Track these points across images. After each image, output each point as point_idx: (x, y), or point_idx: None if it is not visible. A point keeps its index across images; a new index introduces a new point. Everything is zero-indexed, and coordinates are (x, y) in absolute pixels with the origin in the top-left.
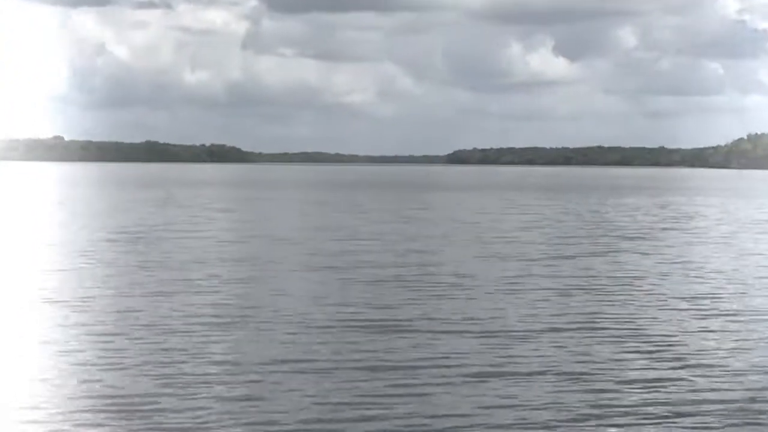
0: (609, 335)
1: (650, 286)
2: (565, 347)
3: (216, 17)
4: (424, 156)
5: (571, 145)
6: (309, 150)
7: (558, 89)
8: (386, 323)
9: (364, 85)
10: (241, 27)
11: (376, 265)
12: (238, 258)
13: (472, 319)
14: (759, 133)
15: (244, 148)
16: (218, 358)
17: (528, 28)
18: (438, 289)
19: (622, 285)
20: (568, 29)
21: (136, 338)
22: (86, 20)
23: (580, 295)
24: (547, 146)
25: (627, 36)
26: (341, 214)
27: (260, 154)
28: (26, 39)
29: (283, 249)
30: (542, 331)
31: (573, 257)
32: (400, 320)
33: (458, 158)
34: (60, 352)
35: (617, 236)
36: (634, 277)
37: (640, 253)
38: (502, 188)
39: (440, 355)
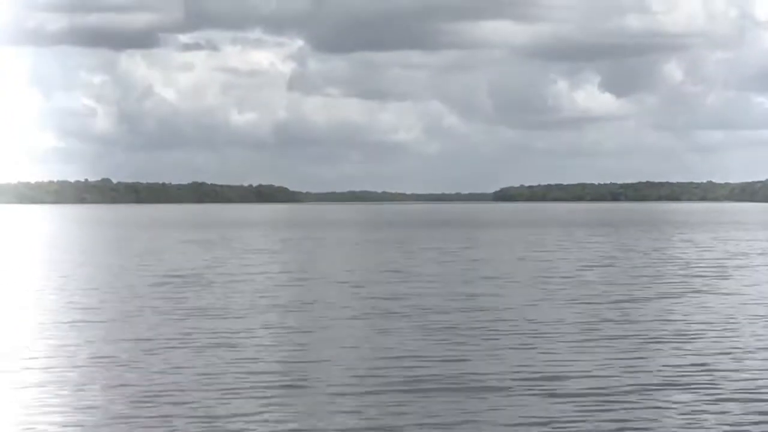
0: (710, 395)
1: (736, 330)
2: (661, 408)
3: (262, 58)
4: (471, 194)
5: (618, 181)
6: (356, 189)
7: (604, 125)
8: (461, 380)
9: (410, 123)
10: (287, 67)
11: (440, 310)
12: (294, 303)
13: (551, 375)
14: None
15: (292, 188)
16: (278, 427)
17: (574, 65)
18: (511, 338)
19: (706, 330)
20: (614, 65)
21: (183, 401)
22: (134, 62)
23: (665, 344)
24: (595, 182)
25: (673, 70)
26: (394, 254)
27: (307, 193)
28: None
29: (340, 292)
30: (635, 388)
31: (648, 299)
32: (476, 375)
33: (505, 195)
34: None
35: (690, 275)
36: (721, 321)
37: (720, 293)
38: (555, 224)
39: (529, 419)
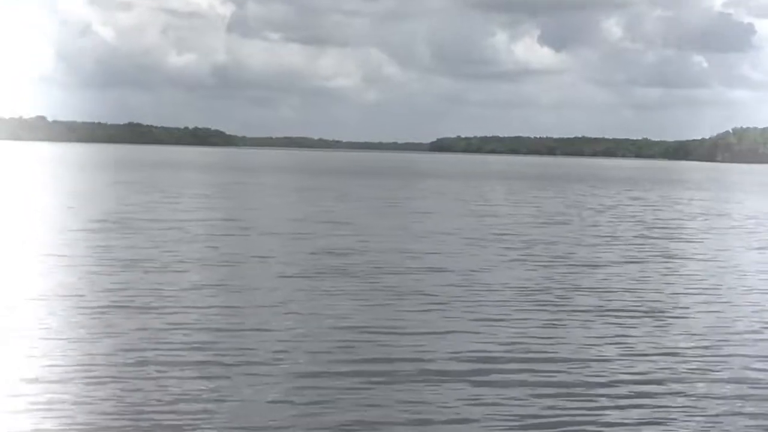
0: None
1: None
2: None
3: (202, 0)
4: (408, 143)
5: (555, 135)
6: (293, 135)
7: (543, 79)
8: (405, 354)
9: (349, 70)
10: (226, 10)
11: (388, 270)
12: (229, 257)
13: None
14: (744, 127)
15: (228, 132)
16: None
17: (514, 17)
18: (462, 306)
19: (688, 302)
20: (555, 19)
21: (91, 353)
22: (73, 1)
23: (642, 317)
24: (531, 135)
25: (613, 27)
26: (334, 203)
27: (244, 137)
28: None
29: (279, 246)
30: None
31: (615, 263)
32: (419, 350)
33: (442, 146)
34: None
35: (653, 236)
36: (702, 291)
37: (695, 259)
38: (496, 177)
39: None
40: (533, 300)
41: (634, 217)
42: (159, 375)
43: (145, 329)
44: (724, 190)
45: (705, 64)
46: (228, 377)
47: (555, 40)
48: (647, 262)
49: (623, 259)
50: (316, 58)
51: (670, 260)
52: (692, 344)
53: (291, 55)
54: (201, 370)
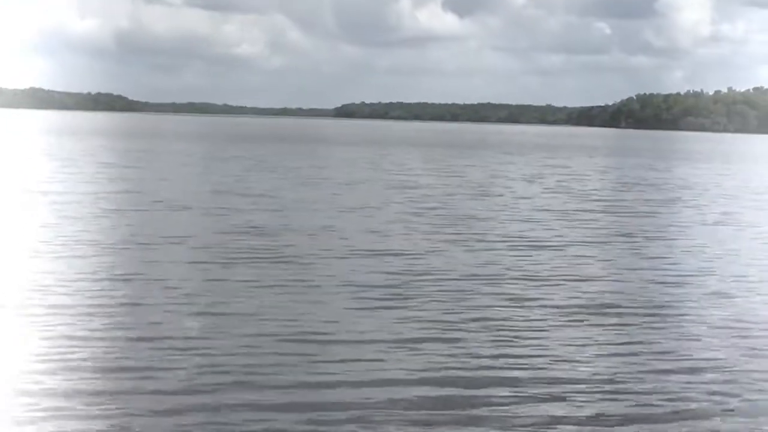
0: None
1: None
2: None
3: None
4: (312, 109)
5: (459, 101)
6: (197, 101)
7: (447, 45)
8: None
9: (254, 37)
10: None
11: (320, 254)
12: (128, 238)
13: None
14: (648, 93)
15: (131, 97)
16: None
17: None
18: (420, 300)
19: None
20: None
21: None
22: None
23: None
24: (436, 102)
25: None
26: (242, 173)
27: (147, 103)
28: None
29: (186, 222)
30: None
31: (567, 245)
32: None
33: (346, 112)
34: None
35: (600, 210)
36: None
37: (656, 238)
38: (409, 144)
39: None
40: (489, 292)
41: (566, 187)
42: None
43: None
44: (644, 157)
45: (607, 31)
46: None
47: (459, 7)
48: (607, 242)
49: (581, 239)
50: (220, 24)
51: (629, 239)
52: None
53: (195, 21)
54: (77, 382)
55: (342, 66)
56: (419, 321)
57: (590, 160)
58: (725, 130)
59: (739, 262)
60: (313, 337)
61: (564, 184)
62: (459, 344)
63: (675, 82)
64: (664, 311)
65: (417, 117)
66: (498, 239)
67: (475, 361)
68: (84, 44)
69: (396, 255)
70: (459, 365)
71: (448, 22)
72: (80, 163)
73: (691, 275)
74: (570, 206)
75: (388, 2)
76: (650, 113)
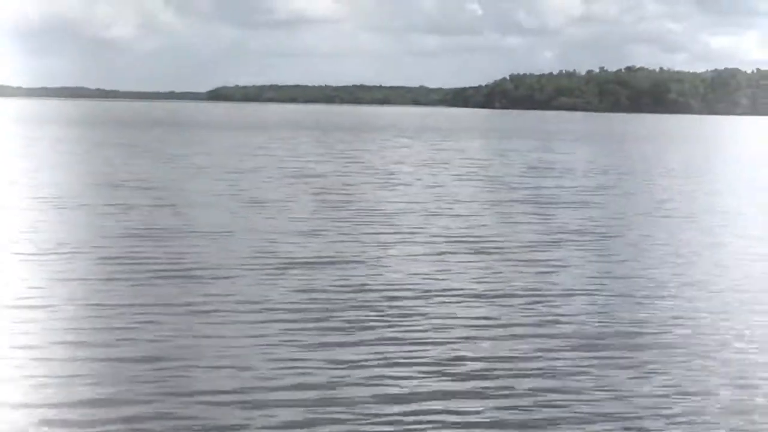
0: None
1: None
2: None
3: None
4: (186, 92)
5: (333, 83)
6: (69, 84)
7: (321, 27)
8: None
9: (126, 19)
10: None
11: (233, 268)
12: None
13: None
14: (521, 73)
15: (1, 82)
16: None
17: None
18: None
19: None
20: None
21: None
22: None
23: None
24: (310, 84)
25: None
26: (131, 160)
27: (18, 88)
28: None
29: (79, 223)
30: None
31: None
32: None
33: (220, 95)
34: None
35: (511, 200)
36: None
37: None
38: (290, 127)
39: None
40: (435, 312)
41: (475, 173)
42: None
43: None
44: (534, 138)
45: (480, 11)
46: None
47: None
48: (556, 241)
49: (523, 238)
50: (91, 6)
51: (580, 237)
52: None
53: (65, 3)
54: None
55: (216, 48)
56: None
57: (485, 143)
58: (596, 109)
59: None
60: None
61: (471, 170)
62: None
63: (547, 62)
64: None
65: (291, 99)
66: (427, 239)
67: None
68: None
69: (314, 263)
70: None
71: (322, 3)
72: None
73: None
74: (492, 196)
75: None
76: (524, 93)
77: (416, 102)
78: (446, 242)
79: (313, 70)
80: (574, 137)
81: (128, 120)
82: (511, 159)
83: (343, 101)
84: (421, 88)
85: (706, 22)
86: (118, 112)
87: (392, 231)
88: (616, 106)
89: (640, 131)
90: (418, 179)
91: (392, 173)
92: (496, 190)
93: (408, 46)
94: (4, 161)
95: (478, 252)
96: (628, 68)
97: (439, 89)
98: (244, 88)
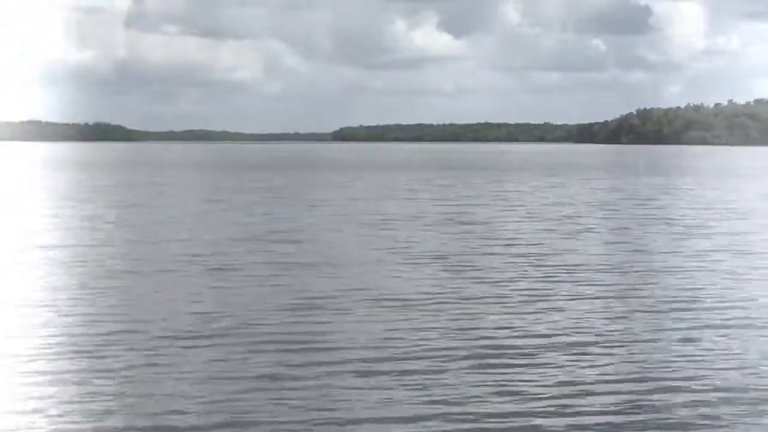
0: None
1: None
2: None
3: None
4: (311, 133)
5: (458, 122)
6: (195, 128)
7: (443, 65)
8: None
9: (250, 62)
10: (124, 4)
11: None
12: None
13: None
14: (648, 108)
15: (130, 126)
16: None
17: (413, 5)
18: None
19: None
20: (453, 5)
21: None
22: None
23: None
24: (434, 122)
25: (511, 12)
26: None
27: (146, 132)
28: None
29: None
30: None
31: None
32: None
33: (344, 135)
34: None
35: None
36: None
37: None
38: (428, 167)
39: None
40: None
41: (656, 216)
42: None
43: None
44: (682, 174)
45: (602, 47)
46: None
47: (454, 27)
48: None
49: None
50: (215, 51)
51: None
52: None
53: (191, 49)
54: None
55: (339, 89)
56: None
57: (638, 179)
58: (727, 143)
59: None
60: None
61: (645, 211)
62: None
63: (672, 96)
64: None
65: (416, 138)
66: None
67: None
68: (82, 75)
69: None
70: None
71: (443, 42)
72: (90, 199)
73: None
74: (693, 245)
75: (383, 23)
76: (651, 128)
77: (542, 138)
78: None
79: (436, 108)
80: (726, 172)
81: (259, 162)
82: (677, 197)
83: (468, 139)
84: (546, 124)
85: None
86: (246, 154)
87: (609, 293)
88: (746, 140)
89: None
90: (594, 225)
91: (563, 217)
92: (690, 236)
93: (530, 83)
94: (152, 216)
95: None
96: (758, 100)
97: (564, 125)
98: (368, 127)
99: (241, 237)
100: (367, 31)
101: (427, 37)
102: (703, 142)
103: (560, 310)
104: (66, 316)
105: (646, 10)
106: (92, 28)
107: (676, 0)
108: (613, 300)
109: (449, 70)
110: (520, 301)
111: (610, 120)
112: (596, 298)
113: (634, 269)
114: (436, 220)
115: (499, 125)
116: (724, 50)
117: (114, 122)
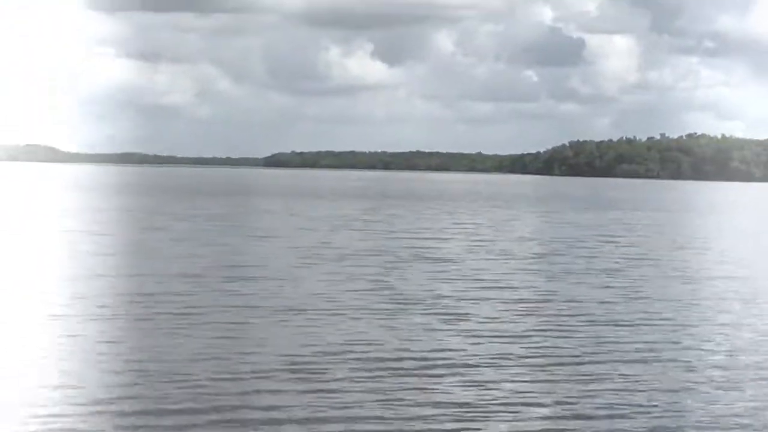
0: None
1: None
2: None
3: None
4: (243, 158)
5: (389, 150)
6: (127, 150)
7: (376, 94)
8: None
9: (183, 86)
10: (60, 25)
11: None
12: None
13: None
14: (580, 140)
15: (61, 148)
16: None
17: (347, 33)
18: None
19: None
20: (386, 34)
21: None
22: None
23: None
24: (366, 150)
25: (445, 41)
26: (225, 236)
27: (78, 154)
28: None
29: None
30: None
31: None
32: None
33: (277, 161)
34: None
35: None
36: None
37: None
38: (372, 196)
39: None
40: None
41: (643, 253)
42: None
43: None
44: (633, 208)
45: (535, 78)
46: None
47: (388, 55)
48: None
49: None
50: (149, 74)
51: None
52: None
53: (125, 71)
54: None
55: (271, 115)
56: None
57: (596, 215)
58: (658, 177)
59: None
60: None
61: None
62: None
63: (603, 129)
64: None
65: (349, 165)
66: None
67: None
68: (13, 96)
69: None
70: None
71: (377, 70)
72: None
73: None
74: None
75: (317, 51)
76: (584, 160)
77: (473, 168)
78: None
79: (369, 136)
80: (681, 207)
81: (194, 187)
82: (646, 233)
83: (399, 168)
84: (478, 154)
85: (761, 90)
86: (180, 178)
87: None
88: (677, 174)
89: (726, 200)
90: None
91: (538, 255)
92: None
93: (463, 113)
94: (92, 246)
95: None
96: (689, 135)
97: (496, 156)
98: (301, 154)
99: (196, 272)
100: (301, 58)
101: (361, 64)
102: (635, 175)
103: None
104: None
105: (580, 43)
106: (26, 47)
107: (609, 33)
108: None
109: (382, 98)
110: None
111: (542, 151)
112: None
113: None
114: (404, 256)
115: (430, 154)
116: (656, 84)
117: (46, 144)
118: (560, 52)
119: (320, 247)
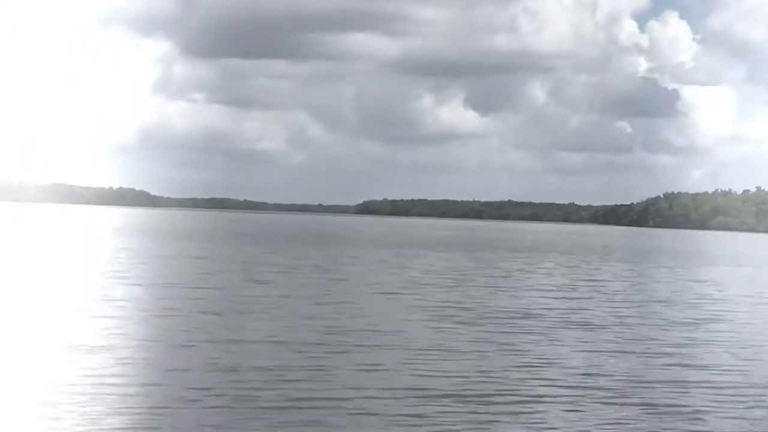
0: None
1: None
2: None
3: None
4: (334, 205)
5: (481, 199)
6: (218, 196)
7: (469, 142)
8: None
9: (275, 133)
10: (152, 71)
11: None
12: None
13: None
14: (675, 192)
15: (153, 192)
16: None
17: (440, 81)
18: None
19: None
20: (480, 82)
21: None
22: None
23: None
24: (458, 199)
25: (538, 92)
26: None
27: (168, 198)
28: None
29: None
30: None
31: None
32: None
33: (368, 208)
34: None
35: None
36: None
37: None
38: (483, 247)
39: None
40: None
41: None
42: None
43: None
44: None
45: (629, 129)
46: None
47: (480, 104)
48: None
49: None
50: (241, 121)
51: None
52: None
53: (216, 117)
54: None
55: (363, 162)
56: None
57: (714, 269)
58: (754, 229)
59: None
60: None
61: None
62: None
63: (696, 181)
64: None
65: (441, 214)
66: None
67: None
68: (107, 140)
69: None
70: None
71: (469, 119)
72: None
73: None
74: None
75: (410, 99)
76: (678, 212)
77: (566, 219)
78: None
79: (461, 185)
80: None
81: (290, 234)
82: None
83: (491, 217)
84: (570, 205)
85: None
86: (272, 225)
87: None
88: None
89: None
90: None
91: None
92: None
93: (555, 163)
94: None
95: None
96: None
97: (589, 206)
98: (393, 202)
99: (330, 339)
100: (394, 106)
101: (453, 113)
102: (730, 228)
103: None
104: None
105: (674, 94)
106: (120, 92)
107: (704, 85)
108: None
109: (474, 147)
110: None
111: (635, 203)
112: None
113: None
114: (553, 319)
115: (522, 203)
116: (752, 136)
117: (138, 188)
118: (654, 103)
119: (452, 307)
